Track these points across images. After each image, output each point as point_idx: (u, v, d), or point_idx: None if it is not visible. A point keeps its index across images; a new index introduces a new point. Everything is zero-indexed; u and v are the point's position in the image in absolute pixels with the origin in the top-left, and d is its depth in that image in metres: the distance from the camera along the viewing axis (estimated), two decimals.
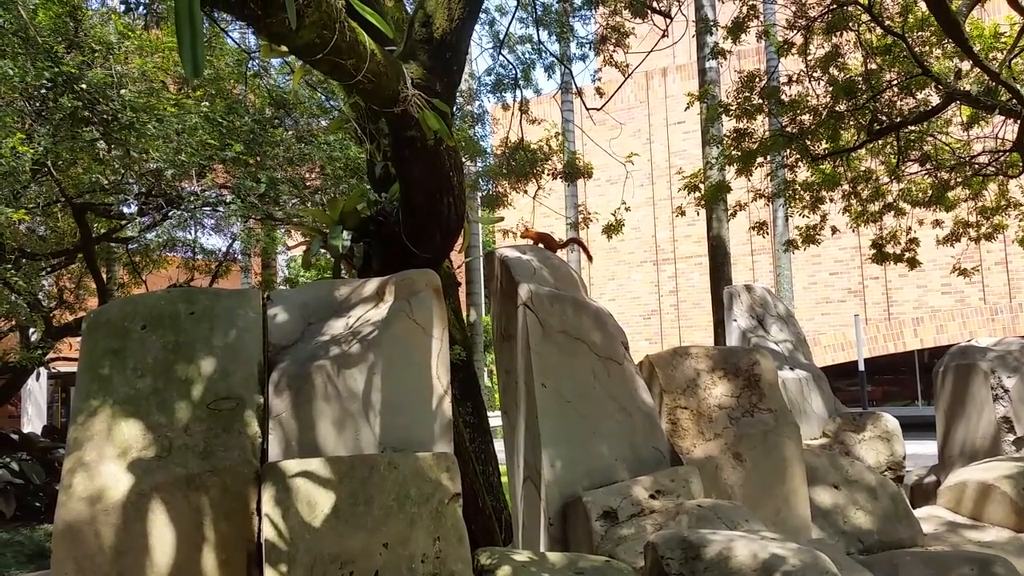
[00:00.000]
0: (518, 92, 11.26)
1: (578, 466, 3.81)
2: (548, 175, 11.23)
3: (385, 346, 3.06)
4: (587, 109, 9.33)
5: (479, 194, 12.83)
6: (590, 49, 11.38)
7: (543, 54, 11.65)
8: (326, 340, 3.12)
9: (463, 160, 11.39)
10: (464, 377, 6.52)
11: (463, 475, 5.87)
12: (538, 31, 9.84)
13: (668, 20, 7.88)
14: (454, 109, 12.83)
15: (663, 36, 7.69)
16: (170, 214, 10.80)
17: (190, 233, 12.70)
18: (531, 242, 4.60)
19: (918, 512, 4.92)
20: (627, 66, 9.63)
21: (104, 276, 12.71)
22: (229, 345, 2.99)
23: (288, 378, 2.99)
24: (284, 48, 2.55)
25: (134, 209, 10.87)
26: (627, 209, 10.12)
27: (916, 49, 8.57)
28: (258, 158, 10.01)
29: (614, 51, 10.15)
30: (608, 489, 3.63)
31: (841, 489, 4.51)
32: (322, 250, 4.52)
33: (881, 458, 5.60)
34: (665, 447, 4.05)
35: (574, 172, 11.54)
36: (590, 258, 5.08)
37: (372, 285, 3.30)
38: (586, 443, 3.86)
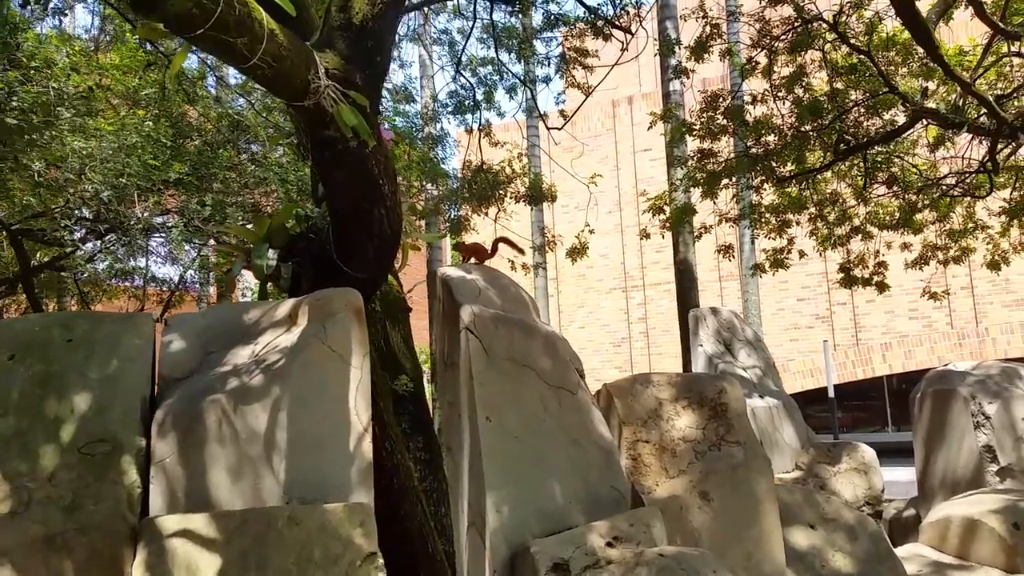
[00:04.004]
0: (479, 114, 10.95)
1: (527, 510, 3.38)
2: (511, 198, 10.91)
3: (294, 377, 2.63)
4: (548, 129, 9.03)
5: (440, 218, 12.49)
6: (554, 71, 11.15)
7: (504, 76, 11.38)
8: (225, 371, 2.69)
9: (424, 180, 10.99)
10: (415, 410, 6.08)
11: (411, 517, 5.43)
12: (497, 52, 9.53)
13: (629, 36, 7.60)
14: (422, 130, 12.42)
15: (623, 51, 7.40)
16: (113, 240, 10.30)
17: (140, 261, 12.19)
18: (465, 257, 4.19)
19: (899, 551, 4.56)
20: (588, 86, 9.36)
21: (55, 307, 12.14)
22: (108, 377, 2.55)
23: (175, 416, 2.55)
24: (160, 25, 2.16)
25: (79, 235, 10.35)
26: (591, 232, 9.78)
27: (882, 68, 8.40)
28: (203, 181, 9.57)
29: (576, 69, 9.89)
30: (560, 537, 3.22)
31: (818, 529, 4.13)
32: (245, 271, 4.09)
33: (859, 492, 5.24)
34: (624, 486, 3.65)
35: (538, 195, 11.23)
36: (521, 252, 4.63)
37: (285, 307, 2.89)
38: (536, 483, 3.44)
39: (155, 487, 2.49)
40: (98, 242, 10.52)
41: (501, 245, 4.26)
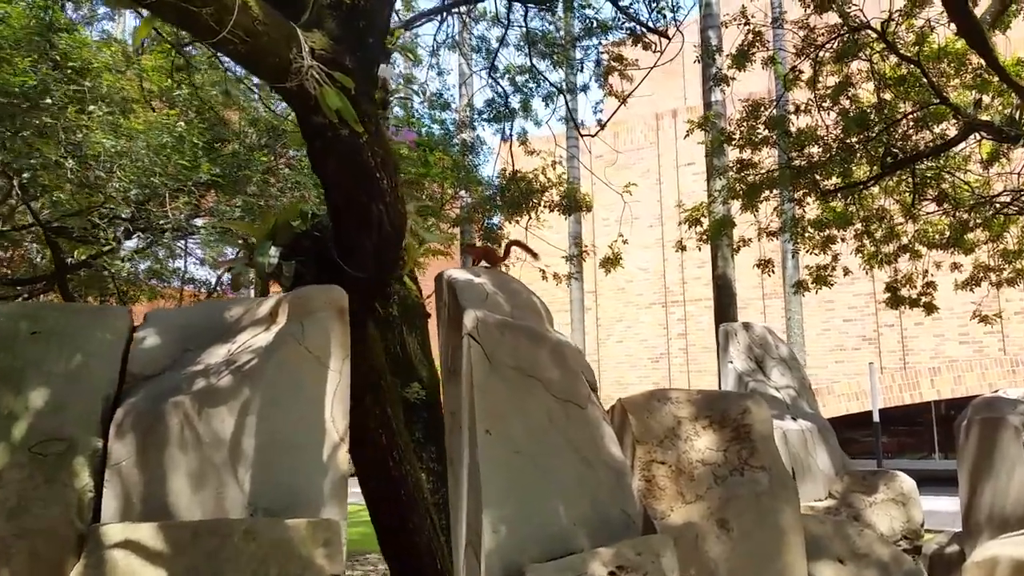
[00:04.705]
0: (513, 122, 10.78)
1: (526, 531, 3.14)
2: (544, 207, 10.70)
3: (265, 379, 2.44)
4: (581, 136, 8.80)
5: (475, 226, 12.32)
6: (592, 79, 10.93)
7: (541, 84, 11.18)
8: (195, 371, 2.50)
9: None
10: (429, 418, 5.88)
11: (419, 531, 5.21)
12: (531, 57, 9.32)
13: (666, 40, 7.36)
14: (451, 134, 12.28)
15: (659, 54, 7.16)
16: (150, 240, 10.34)
17: (180, 263, 12.25)
18: (474, 260, 3.97)
19: None
20: (623, 93, 9.12)
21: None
22: (70, 372, 2.39)
23: (135, 417, 2.37)
24: None
25: (116, 234, 10.39)
26: (624, 242, 9.50)
27: (933, 79, 8.03)
28: (237, 183, 9.53)
29: (614, 77, 9.65)
30: (559, 564, 2.97)
31: (847, 564, 3.81)
32: (248, 268, 3.93)
33: (896, 525, 4.89)
34: (635, 510, 3.38)
35: (573, 204, 10.99)
36: (535, 256, 4.36)
37: (267, 305, 2.70)
38: (538, 503, 3.20)
39: (109, 492, 2.31)
40: (136, 241, 10.57)
41: (514, 249, 4.04)
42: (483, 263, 3.88)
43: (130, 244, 10.92)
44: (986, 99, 8.69)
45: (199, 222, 10.31)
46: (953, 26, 8.55)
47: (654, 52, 8.69)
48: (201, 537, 2.11)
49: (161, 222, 9.25)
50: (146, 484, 2.30)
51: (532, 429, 3.29)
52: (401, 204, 3.36)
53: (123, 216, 9.49)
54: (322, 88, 2.39)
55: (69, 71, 8.23)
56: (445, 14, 11.02)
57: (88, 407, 2.37)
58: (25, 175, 8.24)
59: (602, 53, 9.83)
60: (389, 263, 3.54)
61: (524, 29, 9.84)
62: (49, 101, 7.74)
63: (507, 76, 11.15)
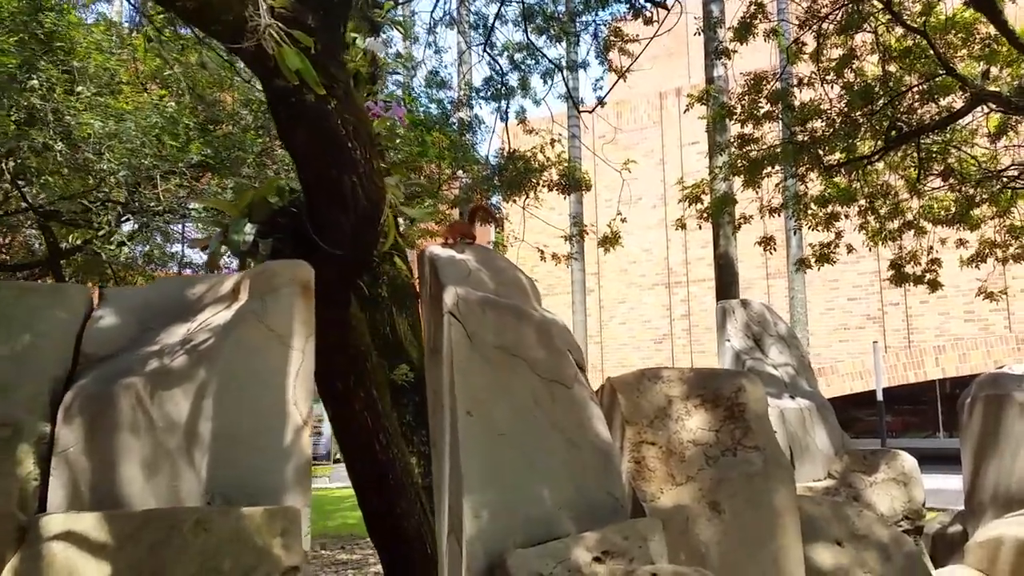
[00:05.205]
0: (510, 101, 10.59)
1: (510, 517, 3.02)
2: (544, 187, 10.52)
3: (223, 360, 2.30)
4: (579, 113, 8.62)
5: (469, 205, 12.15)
6: (593, 55, 10.71)
7: (539, 61, 10.96)
8: (151, 351, 2.37)
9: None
10: (419, 401, 5.76)
11: (408, 515, 5.10)
12: (527, 31, 9.12)
13: (666, 12, 7.17)
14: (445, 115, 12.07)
15: (659, 24, 6.97)
16: (146, 224, 10.20)
17: (176, 245, 12.13)
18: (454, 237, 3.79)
19: (941, 572, 4.09)
20: (621, 68, 8.92)
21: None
22: (17, 354, 2.26)
23: (84, 400, 2.23)
24: None
25: (110, 218, 10.26)
26: (623, 220, 9.34)
27: (939, 50, 7.82)
28: (231, 164, 9.38)
29: (614, 51, 9.46)
30: (541, 549, 2.85)
31: (846, 546, 3.69)
32: (222, 247, 3.79)
33: (897, 505, 4.76)
34: (623, 492, 3.26)
35: (572, 184, 10.81)
36: (498, 222, 4.23)
37: (231, 281, 2.57)
38: (522, 486, 3.08)
39: (55, 481, 2.18)
40: (130, 224, 10.45)
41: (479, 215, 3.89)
42: (467, 239, 3.72)
43: (127, 228, 10.80)
44: (994, 70, 8.48)
45: (195, 205, 10.18)
46: None
47: (656, 22, 8.49)
48: (148, 527, 1.98)
49: (152, 204, 9.11)
50: (95, 472, 2.17)
51: (516, 410, 3.16)
52: (378, 177, 3.21)
53: (115, 199, 9.36)
54: (280, 48, 2.24)
55: (57, 51, 8.07)
56: None
57: (36, 390, 2.24)
58: (12, 161, 8.11)
59: (600, 26, 9.63)
60: (367, 239, 3.39)
61: (521, 3, 9.65)
62: (35, 83, 7.60)
63: (505, 53, 10.96)
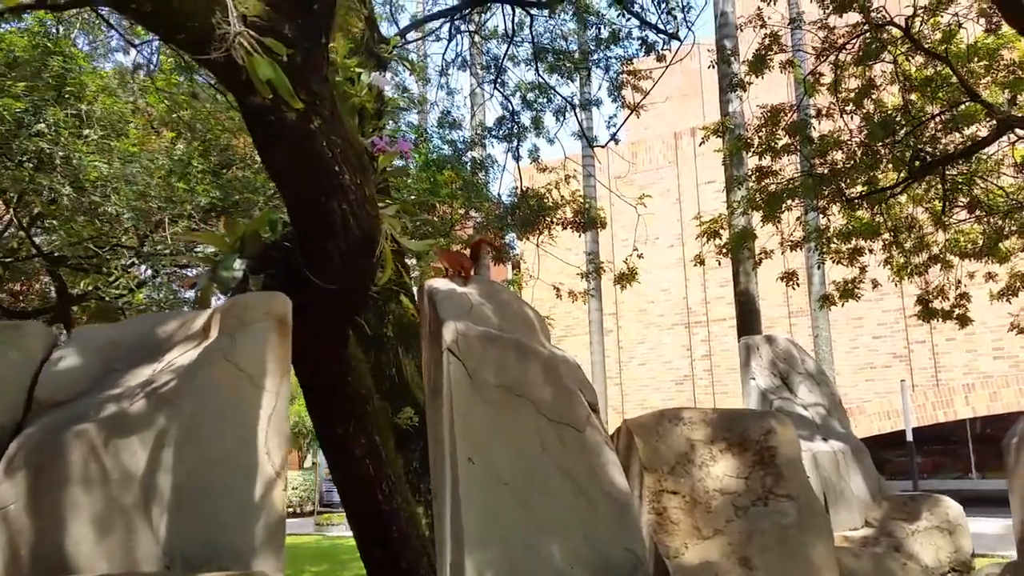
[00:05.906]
0: (520, 140, 10.46)
1: (516, 575, 2.72)
2: (558, 224, 10.32)
3: (186, 404, 2.05)
4: (592, 148, 8.44)
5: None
6: (603, 89, 10.58)
7: (551, 99, 10.84)
8: (110, 395, 2.12)
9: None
10: (427, 445, 5.47)
11: (414, 571, 4.78)
12: (537, 69, 9.00)
13: (679, 41, 7.01)
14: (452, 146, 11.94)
15: (672, 54, 6.81)
16: (157, 268, 10.09)
17: (189, 292, 12.00)
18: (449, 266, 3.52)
19: None
20: (633, 105, 8.76)
21: None
22: None
23: (29, 450, 1.98)
24: None
25: (122, 263, 10.16)
26: (640, 256, 9.09)
27: (963, 77, 7.59)
28: (241, 208, 9.26)
29: (627, 89, 9.31)
30: None
31: None
32: (212, 283, 3.56)
33: (942, 556, 4.39)
34: (643, 548, 2.95)
35: (587, 221, 10.60)
36: (500, 253, 3.95)
37: (202, 318, 2.33)
38: (528, 542, 2.78)
39: None
40: (143, 269, 10.36)
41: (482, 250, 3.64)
42: (462, 271, 3.45)
43: (146, 272, 10.74)
44: (1021, 97, 8.23)
45: (186, 238, 10.03)
46: (983, 22, 8.12)
47: (668, 52, 8.34)
48: None
49: (159, 248, 8.99)
50: (38, 532, 1.91)
51: (521, 456, 2.88)
52: (372, 205, 2.98)
53: (125, 244, 9.26)
54: (250, 57, 2.03)
55: (67, 96, 8.04)
56: (454, 31, 10.78)
57: None
58: (24, 207, 8.04)
59: (612, 60, 9.50)
60: (362, 271, 3.15)
61: (531, 41, 9.55)
62: (43, 126, 7.54)
63: (517, 93, 10.86)
